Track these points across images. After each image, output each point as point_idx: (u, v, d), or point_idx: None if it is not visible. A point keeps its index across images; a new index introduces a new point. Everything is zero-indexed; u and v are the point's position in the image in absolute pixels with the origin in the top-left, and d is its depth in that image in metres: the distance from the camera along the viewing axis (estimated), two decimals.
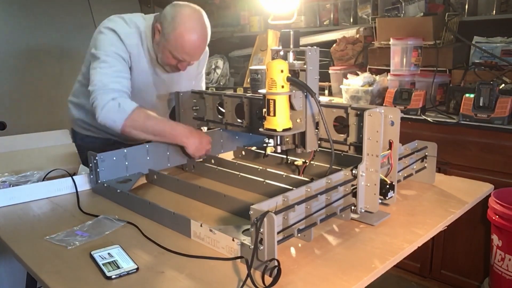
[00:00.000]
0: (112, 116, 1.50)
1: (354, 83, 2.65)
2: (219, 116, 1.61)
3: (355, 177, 1.11)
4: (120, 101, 1.50)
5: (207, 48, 1.81)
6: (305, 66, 1.18)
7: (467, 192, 1.33)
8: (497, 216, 2.00)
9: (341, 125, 1.24)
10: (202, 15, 1.56)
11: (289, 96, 1.16)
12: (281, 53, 1.22)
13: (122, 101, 1.50)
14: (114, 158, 1.40)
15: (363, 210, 1.13)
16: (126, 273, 0.92)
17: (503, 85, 2.26)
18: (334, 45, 3.06)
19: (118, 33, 1.57)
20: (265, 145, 1.26)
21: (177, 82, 1.78)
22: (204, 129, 1.77)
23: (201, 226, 1.03)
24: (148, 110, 1.57)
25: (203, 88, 1.99)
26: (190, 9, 1.54)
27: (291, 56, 1.21)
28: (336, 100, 2.84)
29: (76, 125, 1.85)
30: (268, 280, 0.87)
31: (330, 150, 1.20)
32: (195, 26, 1.52)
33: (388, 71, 2.64)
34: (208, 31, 1.58)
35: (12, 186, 1.35)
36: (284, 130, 1.17)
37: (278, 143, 1.23)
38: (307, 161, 1.44)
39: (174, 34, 1.50)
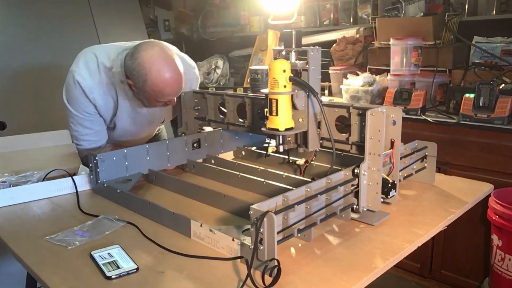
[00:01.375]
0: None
1: (354, 83, 2.65)
2: (221, 116, 1.61)
3: (357, 176, 1.11)
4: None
5: (196, 72, 1.84)
6: (307, 66, 1.18)
7: (467, 192, 1.33)
8: (497, 216, 2.00)
9: (343, 124, 1.24)
10: (163, 49, 1.48)
11: (292, 96, 1.17)
12: (283, 53, 1.22)
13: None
14: (114, 158, 1.40)
15: (365, 209, 1.13)
16: (126, 273, 0.92)
17: (503, 85, 2.25)
18: (334, 45, 3.06)
19: (82, 86, 1.57)
20: (265, 145, 1.26)
21: (163, 112, 1.79)
22: (207, 128, 1.78)
23: (201, 226, 1.03)
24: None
25: None
26: (148, 52, 1.45)
27: (293, 56, 1.21)
28: (336, 100, 2.84)
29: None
30: (268, 280, 0.87)
31: (331, 150, 1.20)
32: (162, 67, 1.44)
33: (388, 71, 2.64)
34: (176, 58, 1.50)
35: (12, 186, 1.35)
36: (287, 129, 1.18)
37: (280, 142, 1.24)
38: (308, 160, 1.44)
39: (148, 85, 1.45)
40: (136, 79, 1.47)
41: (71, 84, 1.59)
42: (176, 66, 1.48)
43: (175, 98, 1.58)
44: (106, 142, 1.75)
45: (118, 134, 1.76)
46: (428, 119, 2.28)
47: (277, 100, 1.15)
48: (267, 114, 1.18)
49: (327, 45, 3.07)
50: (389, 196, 1.15)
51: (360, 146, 1.19)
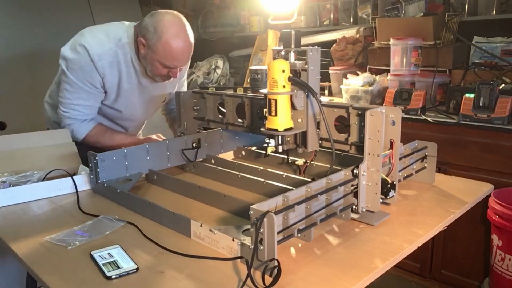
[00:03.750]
0: (72, 135, 1.66)
1: (354, 83, 2.65)
2: (220, 116, 1.61)
3: (356, 176, 1.11)
4: (73, 127, 1.66)
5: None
6: (306, 66, 1.18)
7: (467, 192, 1.33)
8: (497, 216, 2.00)
9: (342, 124, 1.24)
10: (182, 19, 1.56)
11: (291, 96, 1.17)
12: (283, 53, 1.22)
13: (75, 128, 1.67)
14: (114, 158, 1.40)
15: (364, 210, 1.13)
16: (126, 273, 0.92)
17: (503, 85, 2.25)
18: (334, 45, 3.06)
19: (91, 53, 1.55)
20: (265, 145, 1.26)
21: (162, 89, 1.80)
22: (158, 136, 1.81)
23: (201, 226, 1.03)
24: (108, 128, 1.73)
25: None
26: (170, 16, 1.53)
27: (292, 56, 1.21)
28: (336, 100, 2.84)
29: (51, 127, 1.87)
30: (268, 280, 0.87)
31: (331, 150, 1.20)
32: (179, 31, 1.51)
33: (388, 71, 2.64)
34: (191, 34, 1.57)
35: (12, 186, 1.35)
36: (286, 130, 1.17)
37: (280, 142, 1.24)
38: (308, 161, 1.44)
39: (161, 43, 1.49)
40: (151, 35, 1.49)
41: (77, 52, 1.55)
42: (190, 38, 1.55)
43: (178, 72, 1.59)
44: (99, 119, 1.75)
45: (120, 108, 1.73)
46: (428, 119, 2.28)
47: (276, 100, 1.15)
48: (266, 114, 1.18)
49: (327, 45, 3.07)
50: (388, 197, 1.15)
51: (359, 147, 1.19)
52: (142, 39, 1.52)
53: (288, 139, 1.26)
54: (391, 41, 2.57)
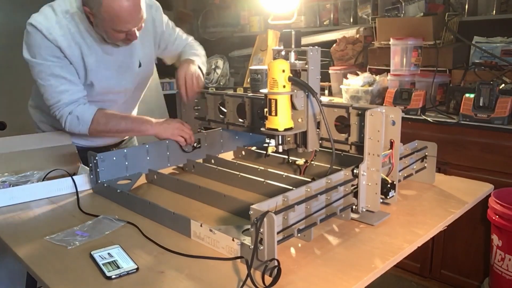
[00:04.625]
0: (76, 128, 1.56)
1: (354, 83, 2.65)
2: (221, 116, 1.61)
3: (356, 176, 1.11)
4: (77, 113, 1.53)
5: (155, 3, 1.76)
6: (306, 66, 1.18)
7: (467, 192, 1.33)
8: (497, 216, 2.00)
9: (342, 124, 1.24)
10: None
11: (291, 96, 1.17)
12: (283, 53, 1.22)
13: (79, 112, 1.54)
14: (114, 158, 1.40)
15: (364, 210, 1.13)
16: (126, 273, 0.92)
17: (503, 85, 2.25)
18: (334, 45, 3.06)
19: (39, 29, 1.47)
20: (265, 145, 1.26)
21: (135, 54, 1.67)
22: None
23: (201, 226, 1.03)
24: (110, 108, 1.61)
25: (189, 42, 1.96)
26: None
27: (292, 56, 1.21)
28: (336, 100, 2.84)
29: (39, 129, 1.82)
30: (268, 280, 0.87)
31: (331, 150, 1.20)
32: None
33: (388, 71, 2.64)
34: None
35: (12, 186, 1.35)
36: (286, 129, 1.17)
37: (280, 142, 1.24)
38: (308, 161, 1.44)
39: (103, 8, 1.40)
40: (92, 3, 1.41)
41: (29, 33, 1.49)
42: None
43: (136, 32, 1.50)
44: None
45: (98, 89, 1.63)
46: (428, 119, 2.28)
47: (276, 100, 1.15)
48: (267, 114, 1.18)
49: (327, 45, 3.07)
50: (388, 197, 1.15)
51: (359, 147, 1.19)
52: (87, 7, 1.45)
53: (289, 139, 1.26)
54: (391, 41, 2.57)
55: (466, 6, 2.59)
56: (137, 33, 1.50)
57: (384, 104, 2.46)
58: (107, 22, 1.43)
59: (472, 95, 2.15)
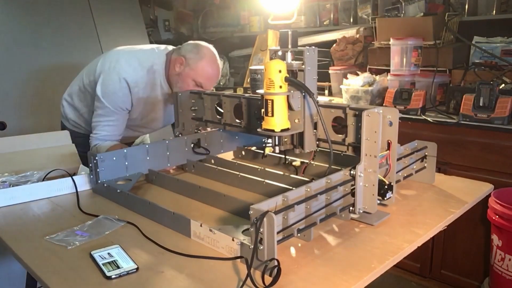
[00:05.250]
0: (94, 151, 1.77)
1: (354, 83, 2.65)
2: (218, 117, 1.61)
3: (353, 177, 1.11)
4: (98, 147, 1.76)
5: None
6: (303, 66, 1.17)
7: (467, 192, 1.33)
8: (497, 216, 2.00)
9: (339, 125, 1.24)
10: (217, 54, 1.82)
11: (287, 97, 1.16)
12: (279, 53, 1.21)
13: (99, 146, 1.76)
14: (114, 158, 1.40)
15: (361, 211, 1.13)
16: (126, 273, 0.92)
17: (503, 85, 2.26)
18: (334, 45, 3.06)
19: (129, 82, 1.74)
20: (264, 145, 1.26)
21: (163, 115, 1.96)
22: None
23: (201, 226, 1.03)
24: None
25: None
26: (209, 48, 1.80)
27: (289, 56, 1.20)
28: (336, 100, 2.84)
29: (67, 121, 2.01)
30: (268, 280, 0.87)
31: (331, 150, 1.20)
32: (215, 60, 1.80)
33: (388, 71, 2.64)
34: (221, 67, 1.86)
35: (12, 186, 1.35)
36: (282, 130, 1.17)
37: (277, 143, 1.23)
38: (306, 161, 1.44)
39: (201, 63, 1.74)
40: (193, 55, 1.75)
41: (115, 81, 1.73)
42: (220, 69, 1.85)
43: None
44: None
45: (146, 122, 1.93)
46: (428, 119, 2.28)
47: (272, 101, 1.14)
48: (263, 115, 1.17)
49: (327, 45, 3.07)
50: (385, 198, 1.14)
51: (357, 148, 1.18)
52: (183, 58, 1.75)
53: (285, 139, 1.26)
54: (391, 41, 2.57)
55: (466, 6, 2.59)
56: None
57: (384, 104, 2.46)
58: (195, 72, 1.75)
59: (472, 95, 2.15)
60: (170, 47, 1.87)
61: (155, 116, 1.92)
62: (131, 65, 1.76)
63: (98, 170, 1.37)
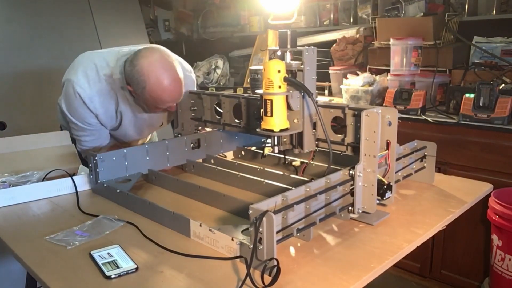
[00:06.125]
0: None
1: (354, 83, 2.65)
2: (217, 117, 1.61)
3: (352, 177, 1.11)
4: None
5: (193, 76, 1.82)
6: (302, 66, 1.17)
7: (466, 192, 1.33)
8: (497, 216, 2.00)
9: (338, 125, 1.24)
10: (161, 53, 1.48)
11: (286, 97, 1.16)
12: (278, 53, 1.21)
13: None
14: (114, 158, 1.40)
15: (360, 211, 1.13)
16: (125, 272, 0.92)
17: (503, 85, 2.25)
18: (334, 45, 3.06)
19: (82, 97, 1.54)
20: (264, 145, 1.26)
21: (162, 115, 1.79)
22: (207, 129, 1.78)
23: (200, 226, 1.03)
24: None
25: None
26: (146, 59, 1.44)
27: (288, 56, 1.20)
28: (336, 100, 2.84)
29: (63, 126, 1.90)
30: (268, 279, 0.87)
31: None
32: (161, 74, 1.44)
33: (388, 71, 2.64)
34: (176, 64, 1.49)
35: (12, 186, 1.35)
36: (281, 130, 1.17)
37: (276, 143, 1.23)
38: (306, 161, 1.44)
39: (147, 92, 1.45)
40: (135, 86, 1.47)
41: (71, 94, 1.56)
42: (175, 73, 1.47)
43: (175, 105, 1.57)
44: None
45: (118, 136, 1.77)
46: (428, 119, 2.28)
47: (271, 101, 1.14)
48: (262, 115, 1.17)
49: (327, 45, 3.07)
50: (384, 198, 1.14)
51: (356, 147, 1.19)
52: (130, 87, 1.51)
53: (285, 139, 1.26)
54: (391, 41, 2.57)
55: (466, 6, 2.59)
56: (175, 106, 1.59)
57: (384, 104, 2.46)
58: (150, 101, 1.50)
59: (472, 95, 2.15)
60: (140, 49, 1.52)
61: (126, 130, 1.72)
62: (88, 75, 1.55)
63: (97, 170, 1.37)
